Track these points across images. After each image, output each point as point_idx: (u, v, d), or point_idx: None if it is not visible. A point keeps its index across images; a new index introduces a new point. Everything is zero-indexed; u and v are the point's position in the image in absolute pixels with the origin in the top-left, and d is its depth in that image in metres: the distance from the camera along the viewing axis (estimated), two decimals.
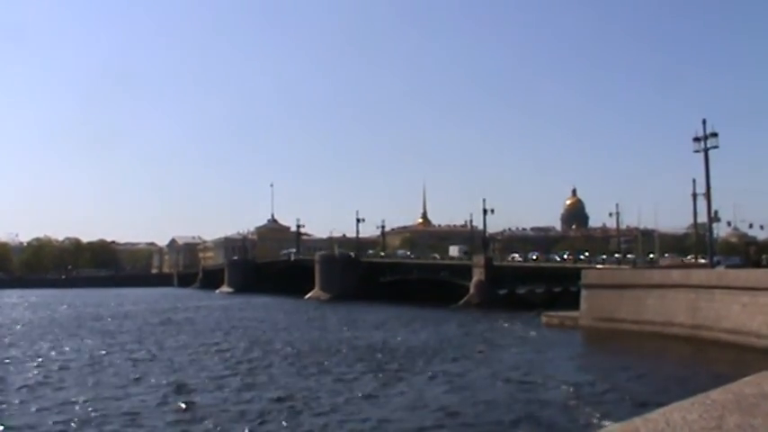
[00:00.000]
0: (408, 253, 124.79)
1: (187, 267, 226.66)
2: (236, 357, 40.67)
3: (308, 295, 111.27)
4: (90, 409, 25.45)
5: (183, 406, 25.94)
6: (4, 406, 26.30)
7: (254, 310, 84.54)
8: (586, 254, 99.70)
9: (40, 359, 40.19)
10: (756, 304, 40.21)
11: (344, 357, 39.73)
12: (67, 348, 45.86)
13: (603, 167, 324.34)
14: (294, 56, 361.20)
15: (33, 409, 25.72)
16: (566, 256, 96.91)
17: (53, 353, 43.52)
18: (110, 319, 71.66)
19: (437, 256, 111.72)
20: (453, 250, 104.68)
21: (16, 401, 27.26)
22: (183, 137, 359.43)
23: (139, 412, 25.05)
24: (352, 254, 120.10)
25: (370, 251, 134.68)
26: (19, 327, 63.28)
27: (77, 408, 25.72)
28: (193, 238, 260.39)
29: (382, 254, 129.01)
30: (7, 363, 39.00)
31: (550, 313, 60.21)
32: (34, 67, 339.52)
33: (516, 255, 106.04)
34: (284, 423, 23.23)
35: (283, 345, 46.57)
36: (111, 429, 22.71)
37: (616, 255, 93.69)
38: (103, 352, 43.41)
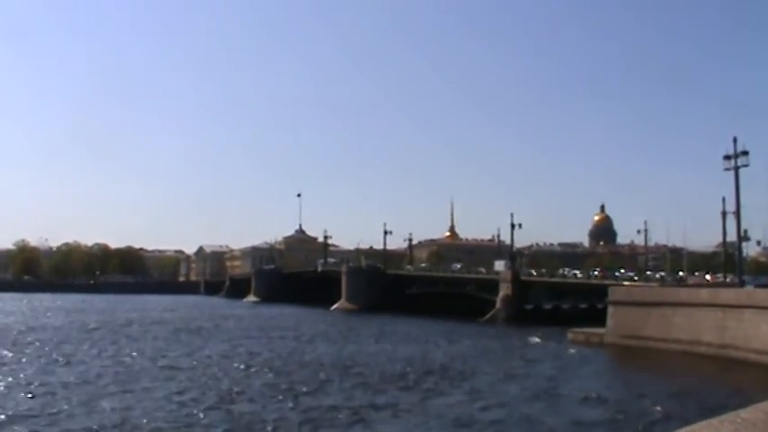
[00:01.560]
0: (458, 266, 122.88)
1: (214, 276, 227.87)
2: (273, 368, 40.68)
3: (335, 306, 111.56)
4: (130, 417, 25.63)
5: (225, 416, 26.19)
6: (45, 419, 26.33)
7: (282, 320, 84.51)
8: (622, 271, 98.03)
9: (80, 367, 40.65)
10: None
11: (376, 372, 39.39)
12: (108, 354, 46.54)
13: (633, 184, 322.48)
14: (323, 65, 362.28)
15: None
16: (596, 273, 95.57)
17: (92, 360, 43.92)
18: (141, 327, 72.06)
19: (483, 270, 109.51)
20: (499, 265, 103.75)
21: (56, 410, 27.29)
22: (212, 145, 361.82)
23: (187, 421, 25.26)
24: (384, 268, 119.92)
25: (412, 266, 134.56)
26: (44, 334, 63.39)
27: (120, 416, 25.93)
28: (221, 246, 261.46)
29: (410, 267, 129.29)
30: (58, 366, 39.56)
31: (577, 330, 59.97)
32: (48, 67, 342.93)
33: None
34: None
35: (318, 357, 46.62)
36: None
37: (654, 274, 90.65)
38: (142, 360, 43.76)
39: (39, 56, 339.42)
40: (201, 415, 26.22)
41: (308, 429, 24.25)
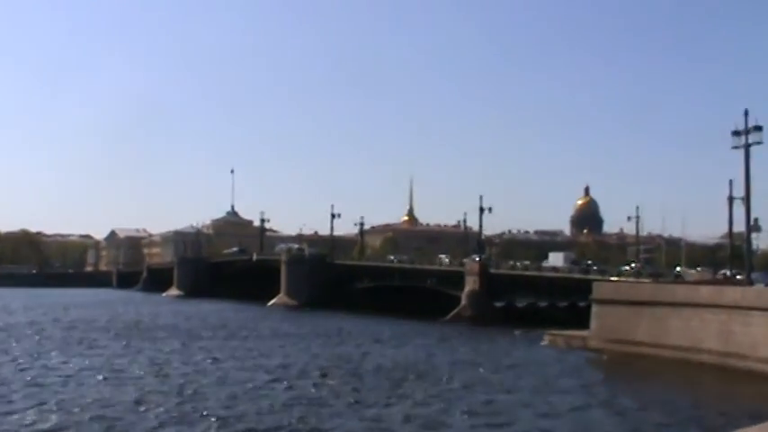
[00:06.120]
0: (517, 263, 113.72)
1: (129, 265, 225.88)
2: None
3: (272, 301, 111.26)
4: None
5: None
6: None
7: (222, 321, 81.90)
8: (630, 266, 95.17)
9: None
10: None
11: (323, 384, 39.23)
12: None
13: (623, 164, 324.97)
14: (261, 25, 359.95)
15: None
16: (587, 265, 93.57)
17: None
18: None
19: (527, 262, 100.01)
20: (556, 258, 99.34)
21: None
22: (128, 111, 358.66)
23: None
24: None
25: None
26: None
27: None
28: (137, 230, 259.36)
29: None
30: None
31: (555, 332, 60.01)
32: None
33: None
34: None
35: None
36: None
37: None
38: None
39: None
40: None
41: None
